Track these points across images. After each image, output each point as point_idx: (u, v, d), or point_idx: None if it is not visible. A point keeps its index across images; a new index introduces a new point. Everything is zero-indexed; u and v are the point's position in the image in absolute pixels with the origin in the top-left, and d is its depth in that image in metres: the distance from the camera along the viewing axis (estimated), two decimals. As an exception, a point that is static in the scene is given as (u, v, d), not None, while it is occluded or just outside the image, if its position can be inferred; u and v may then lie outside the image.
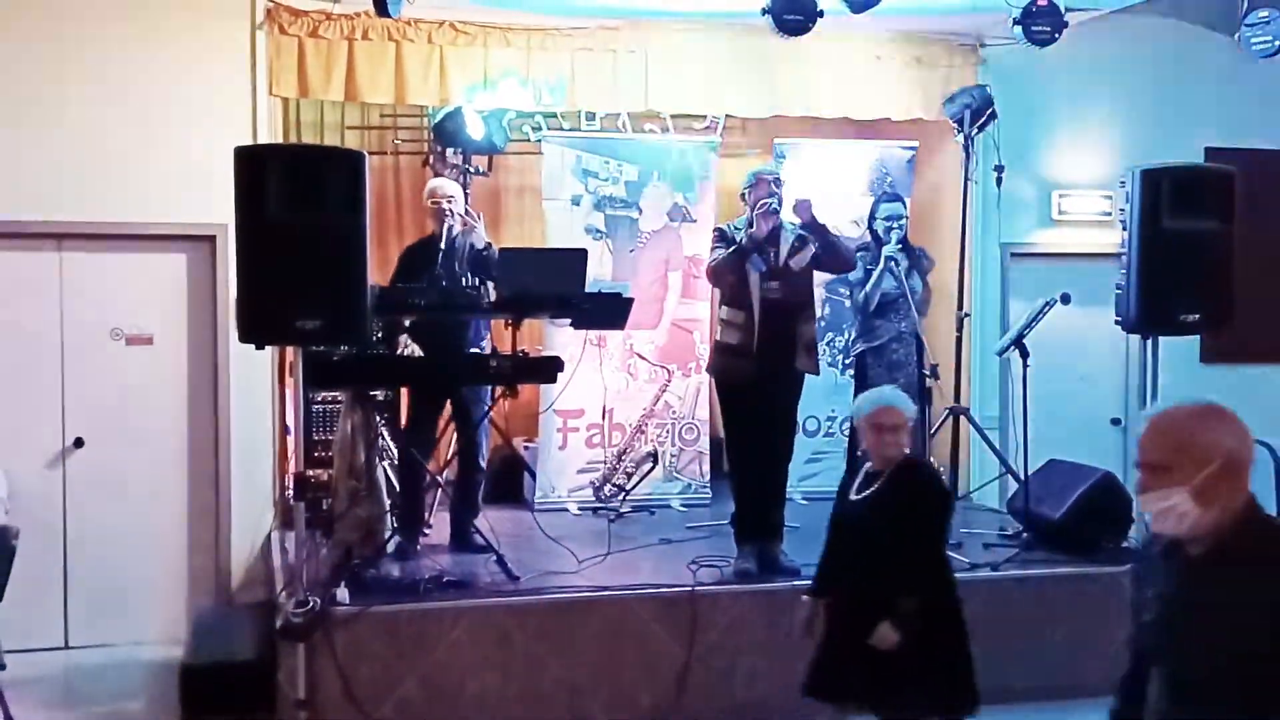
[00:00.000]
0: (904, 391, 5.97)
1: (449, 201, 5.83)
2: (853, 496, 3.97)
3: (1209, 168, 6.14)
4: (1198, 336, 7.02)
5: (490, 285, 5.65)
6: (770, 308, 5.33)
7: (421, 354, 5.78)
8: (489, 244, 5.87)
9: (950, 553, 5.61)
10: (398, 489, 5.86)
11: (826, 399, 7.32)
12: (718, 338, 5.52)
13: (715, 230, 5.71)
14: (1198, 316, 5.50)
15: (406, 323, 5.78)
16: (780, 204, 5.41)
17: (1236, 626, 2.09)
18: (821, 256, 5.47)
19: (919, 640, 3.72)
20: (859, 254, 6.08)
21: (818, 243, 5.42)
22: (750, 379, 5.33)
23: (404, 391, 6.16)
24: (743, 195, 5.53)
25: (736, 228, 5.49)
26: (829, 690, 3.93)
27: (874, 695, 3.78)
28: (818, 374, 5.62)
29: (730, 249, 5.37)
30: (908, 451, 3.94)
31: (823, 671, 3.94)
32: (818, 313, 6.05)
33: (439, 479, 6.14)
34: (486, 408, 5.90)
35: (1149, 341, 5.68)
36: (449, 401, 5.90)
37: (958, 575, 5.39)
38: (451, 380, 5.70)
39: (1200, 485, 2.12)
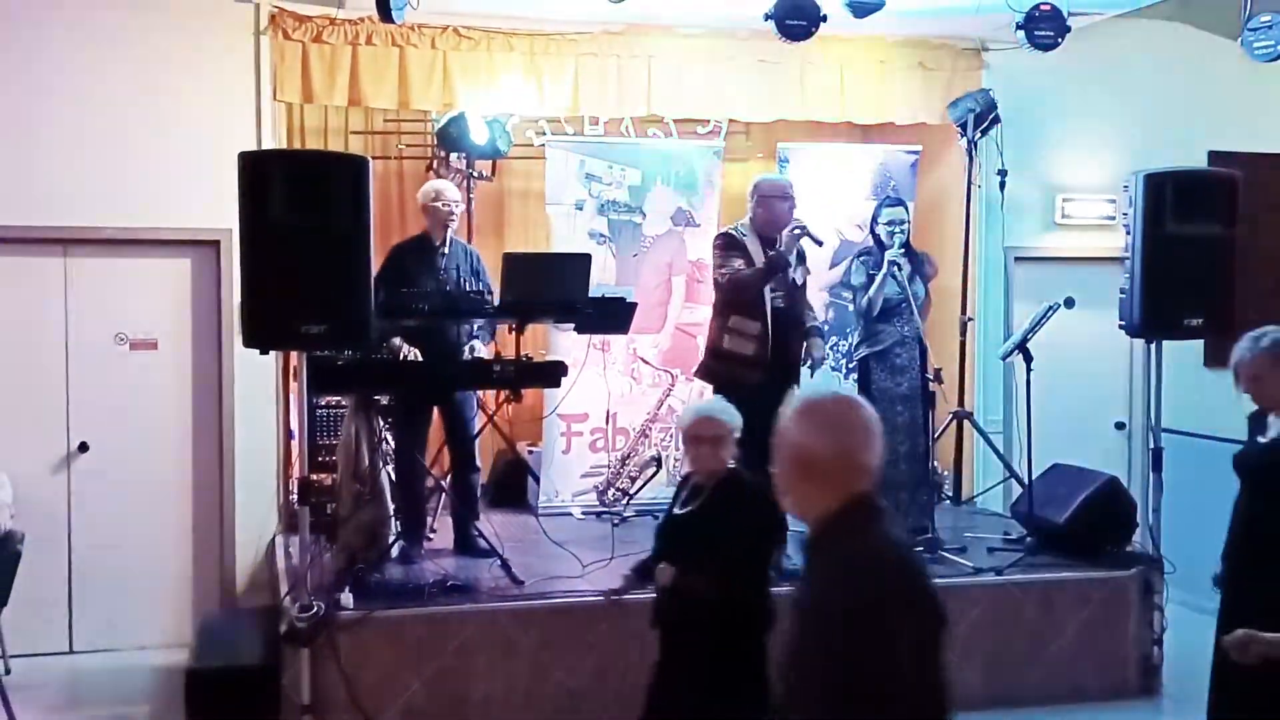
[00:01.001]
0: (909, 395, 6.06)
1: (455, 205, 5.84)
2: (677, 510, 3.86)
3: (1212, 172, 6.15)
4: (1201, 341, 7.02)
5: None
6: (778, 318, 5.39)
7: (420, 357, 5.77)
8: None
9: (956, 557, 5.66)
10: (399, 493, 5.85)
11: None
12: (726, 346, 5.48)
13: (721, 235, 5.69)
14: (1200, 321, 5.50)
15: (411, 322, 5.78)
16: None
17: (801, 617, 2.12)
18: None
19: (712, 656, 3.58)
20: (861, 258, 6.09)
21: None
22: (757, 388, 5.32)
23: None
24: (757, 201, 5.55)
25: (742, 232, 5.51)
26: (657, 714, 3.80)
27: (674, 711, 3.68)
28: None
29: (763, 267, 5.38)
30: (732, 464, 3.76)
31: (650, 692, 3.83)
32: (821, 316, 6.08)
33: (442, 484, 6.13)
34: (480, 410, 5.89)
35: (1152, 346, 5.68)
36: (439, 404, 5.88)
37: (962, 580, 5.43)
38: (457, 385, 5.69)
39: (778, 472, 2.22)
